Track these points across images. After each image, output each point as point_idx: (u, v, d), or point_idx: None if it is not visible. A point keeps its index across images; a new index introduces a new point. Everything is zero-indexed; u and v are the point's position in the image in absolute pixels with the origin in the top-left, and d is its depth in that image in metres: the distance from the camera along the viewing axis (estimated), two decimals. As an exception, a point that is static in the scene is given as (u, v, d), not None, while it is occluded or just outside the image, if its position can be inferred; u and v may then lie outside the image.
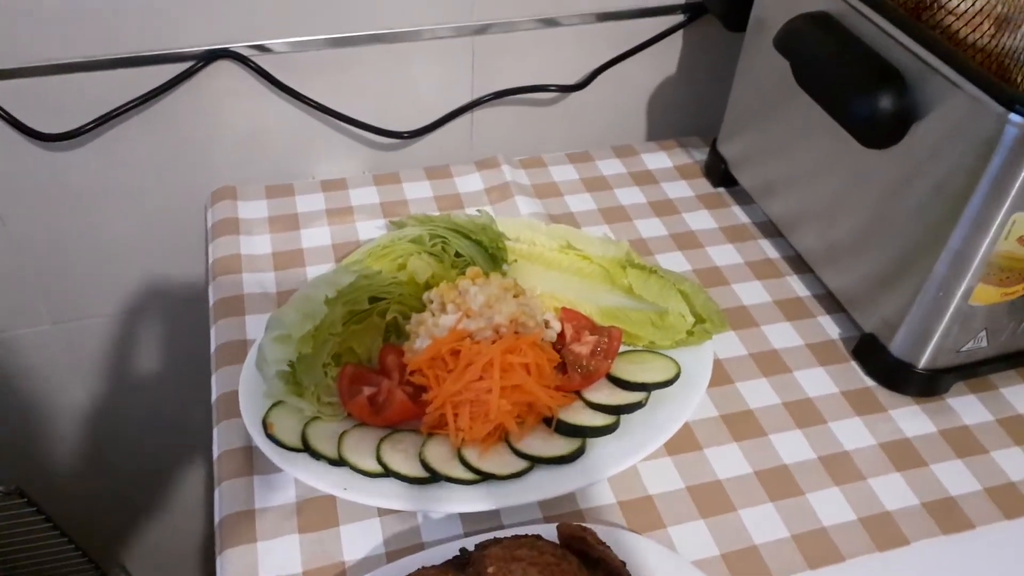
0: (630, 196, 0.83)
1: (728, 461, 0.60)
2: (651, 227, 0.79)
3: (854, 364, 0.68)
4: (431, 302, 0.62)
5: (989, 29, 0.55)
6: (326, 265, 0.73)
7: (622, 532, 0.52)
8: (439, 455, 0.55)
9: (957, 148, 0.55)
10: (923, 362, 0.64)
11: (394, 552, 0.53)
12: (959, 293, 0.59)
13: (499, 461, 0.55)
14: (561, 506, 0.56)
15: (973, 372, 0.65)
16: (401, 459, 0.55)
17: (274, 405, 0.57)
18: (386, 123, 0.83)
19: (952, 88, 0.55)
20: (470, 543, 0.51)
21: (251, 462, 0.58)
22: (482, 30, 0.81)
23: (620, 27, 0.85)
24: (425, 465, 0.54)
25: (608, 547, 0.49)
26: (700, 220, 0.81)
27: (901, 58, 0.58)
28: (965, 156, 0.55)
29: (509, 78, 0.85)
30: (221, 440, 0.59)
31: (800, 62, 0.66)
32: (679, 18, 0.86)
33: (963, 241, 0.57)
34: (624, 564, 0.49)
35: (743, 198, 0.83)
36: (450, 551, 0.51)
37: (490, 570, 0.45)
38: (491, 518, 0.55)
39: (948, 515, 0.57)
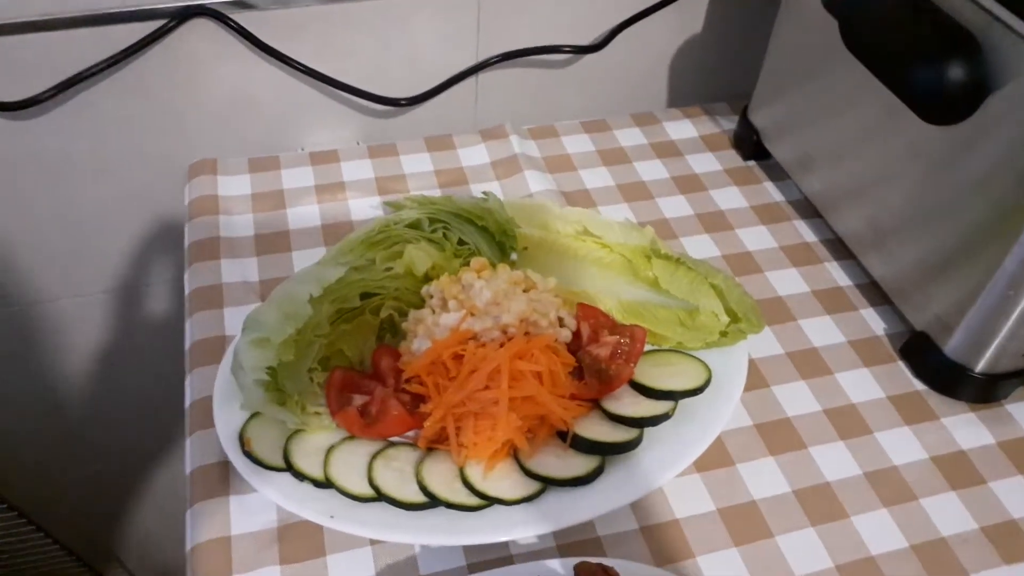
0: (651, 170, 0.76)
1: (764, 478, 0.54)
2: (675, 206, 0.72)
3: (902, 365, 0.61)
4: (431, 297, 0.56)
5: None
6: (314, 249, 0.66)
7: (649, 570, 0.46)
8: (439, 475, 0.49)
9: (1041, 126, 0.48)
10: (981, 365, 0.57)
11: (388, 586, 0.47)
12: (1033, 292, 0.52)
13: (507, 483, 0.49)
14: (576, 532, 0.50)
15: (1037, 376, 0.59)
16: (396, 480, 0.49)
17: (253, 416, 0.51)
18: (381, 88, 0.77)
19: (1038, 56, 0.47)
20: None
21: (228, 480, 0.52)
22: (489, -16, 0.74)
23: (641, -19, 0.78)
24: (423, 488, 0.48)
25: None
26: (729, 198, 0.73)
27: (975, 19, 0.51)
28: (1050, 136, 0.47)
29: (518, 38, 0.78)
30: (194, 454, 0.53)
31: (852, 22, 0.59)
32: (707, -30, 0.79)
33: (1042, 233, 0.50)
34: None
35: (776, 173, 0.75)
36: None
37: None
38: (498, 548, 0.49)
39: (1011, 542, 0.51)
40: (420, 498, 0.48)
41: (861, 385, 0.59)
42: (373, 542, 0.49)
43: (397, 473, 0.49)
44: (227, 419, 0.51)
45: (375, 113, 0.80)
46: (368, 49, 0.75)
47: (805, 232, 0.71)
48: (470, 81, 0.80)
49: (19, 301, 0.83)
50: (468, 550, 0.49)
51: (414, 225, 0.59)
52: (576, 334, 0.56)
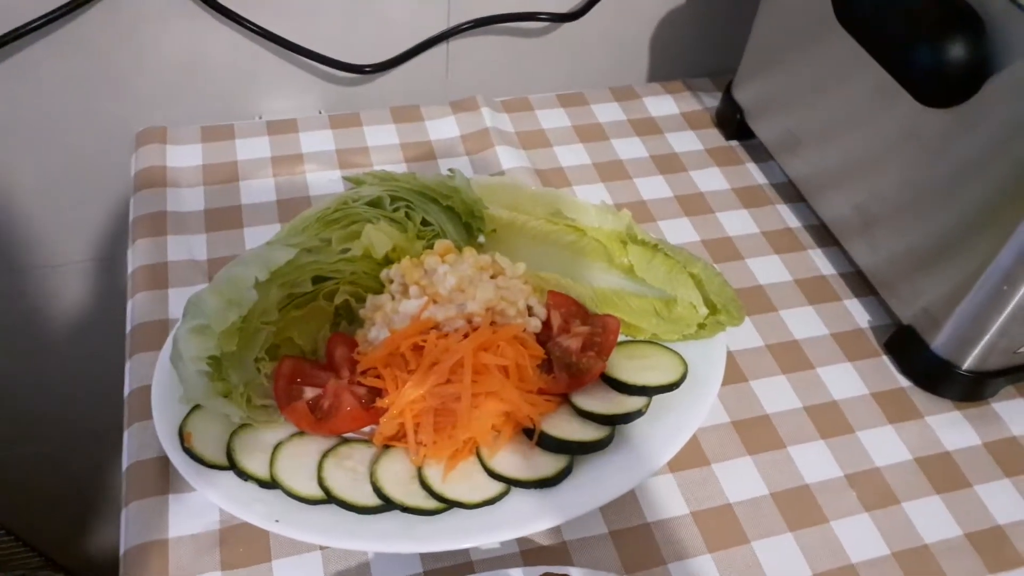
0: (630, 148, 0.72)
1: (741, 480, 0.51)
2: (654, 187, 0.69)
3: (886, 359, 0.58)
4: (390, 282, 0.52)
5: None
6: (268, 226, 0.62)
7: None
8: (394, 475, 0.46)
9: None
10: (969, 362, 0.55)
11: (338, 595, 0.44)
12: (1028, 287, 0.49)
13: (468, 485, 0.46)
14: (541, 538, 0.47)
15: (1026, 374, 0.56)
16: (348, 480, 0.45)
17: (194, 409, 0.47)
18: (345, 54, 0.73)
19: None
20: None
21: (167, 477, 0.48)
22: (461, -57, 0.69)
23: (623, -55, 0.74)
24: (377, 490, 0.45)
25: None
26: (710, 179, 0.70)
27: (979, -6, 0.47)
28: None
29: (492, 3, 0.74)
30: (132, 448, 0.49)
31: (846, -5, 0.55)
32: (693, -65, 0.75)
33: (1042, 226, 0.47)
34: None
35: (760, 154, 0.72)
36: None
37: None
38: (458, 555, 0.46)
39: (996, 549, 0.49)
40: (374, 501, 0.45)
41: (844, 380, 0.57)
42: (323, 547, 0.46)
43: (350, 473, 0.46)
44: (167, 411, 0.47)
45: (338, 80, 0.75)
46: (331, 10, 0.70)
47: (788, 217, 0.68)
48: (440, 48, 0.76)
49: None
50: (425, 557, 0.46)
51: (375, 203, 0.55)
52: (546, 324, 0.52)
